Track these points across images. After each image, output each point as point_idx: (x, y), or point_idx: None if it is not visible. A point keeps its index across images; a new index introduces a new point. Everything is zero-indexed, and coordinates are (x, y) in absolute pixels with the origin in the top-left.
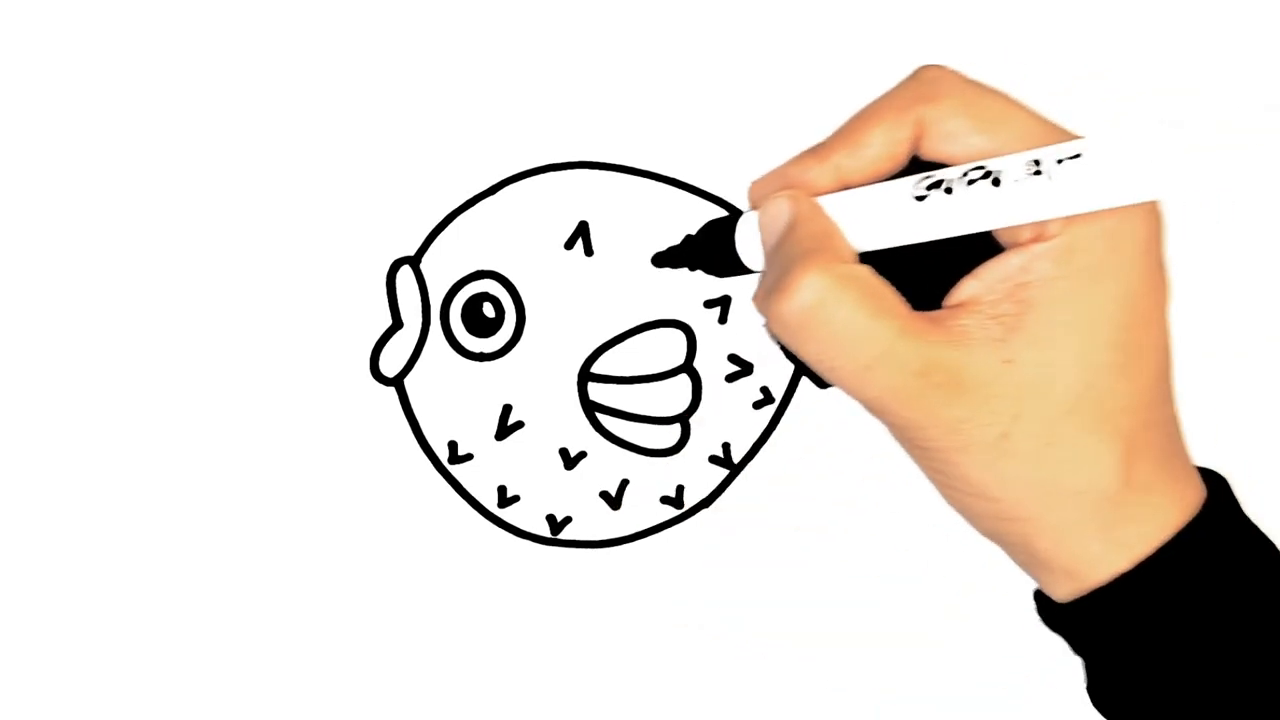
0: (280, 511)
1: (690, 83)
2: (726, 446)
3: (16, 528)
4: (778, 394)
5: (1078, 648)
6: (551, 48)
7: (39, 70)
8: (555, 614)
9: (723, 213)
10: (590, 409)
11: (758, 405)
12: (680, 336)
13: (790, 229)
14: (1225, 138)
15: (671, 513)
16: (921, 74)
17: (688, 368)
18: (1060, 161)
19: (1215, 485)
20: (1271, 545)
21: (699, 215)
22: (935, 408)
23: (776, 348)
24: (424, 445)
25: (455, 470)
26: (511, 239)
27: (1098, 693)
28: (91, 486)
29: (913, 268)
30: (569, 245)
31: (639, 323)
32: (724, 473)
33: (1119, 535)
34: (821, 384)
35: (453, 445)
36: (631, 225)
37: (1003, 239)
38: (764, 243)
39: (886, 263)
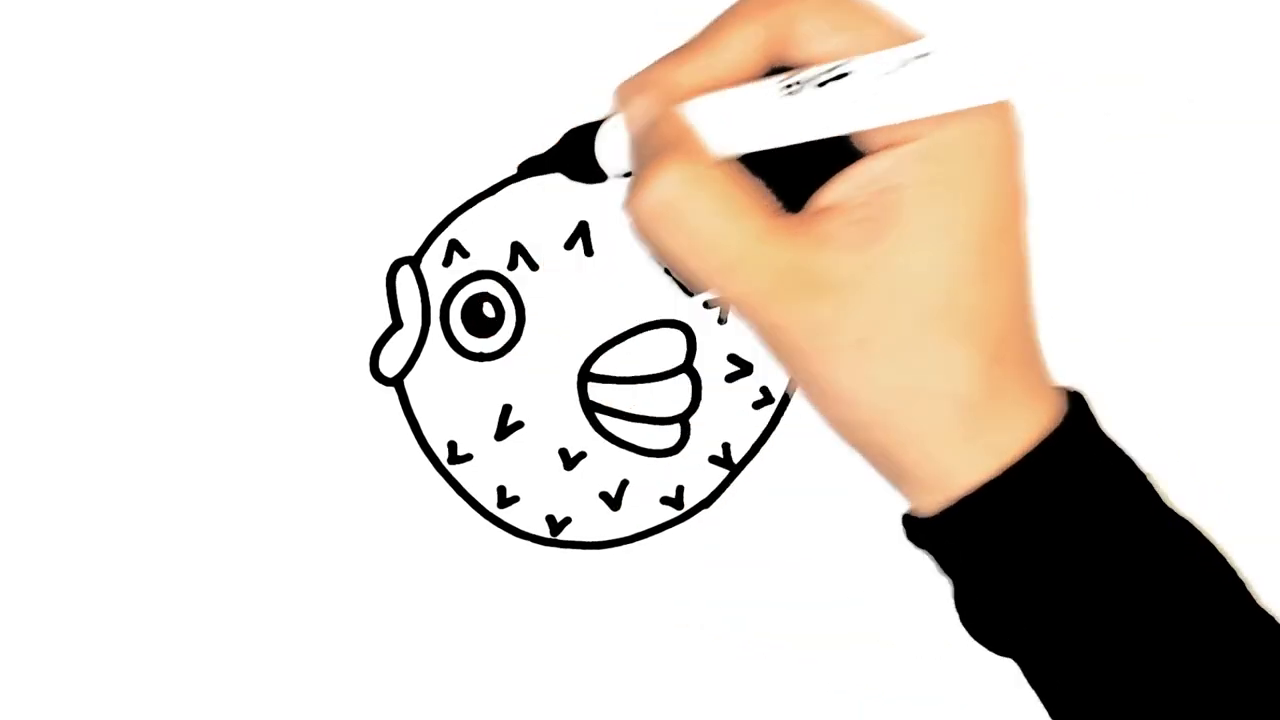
0: (280, 511)
1: None
2: (726, 446)
3: (17, 528)
4: (778, 394)
5: (944, 564)
6: (552, 48)
7: (39, 70)
8: (555, 615)
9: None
10: (590, 409)
11: (758, 405)
12: (680, 336)
13: (650, 128)
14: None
15: (671, 513)
16: None
17: (687, 368)
18: (912, 60)
19: (1076, 400)
20: (1130, 461)
21: None
22: (796, 310)
23: (649, 256)
24: (424, 445)
25: (455, 470)
26: (511, 239)
27: (965, 612)
28: (91, 486)
29: (774, 175)
30: (569, 245)
31: (639, 323)
32: (724, 473)
33: (982, 441)
34: (689, 291)
35: (452, 445)
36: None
37: (866, 143)
38: (629, 145)
39: (748, 169)
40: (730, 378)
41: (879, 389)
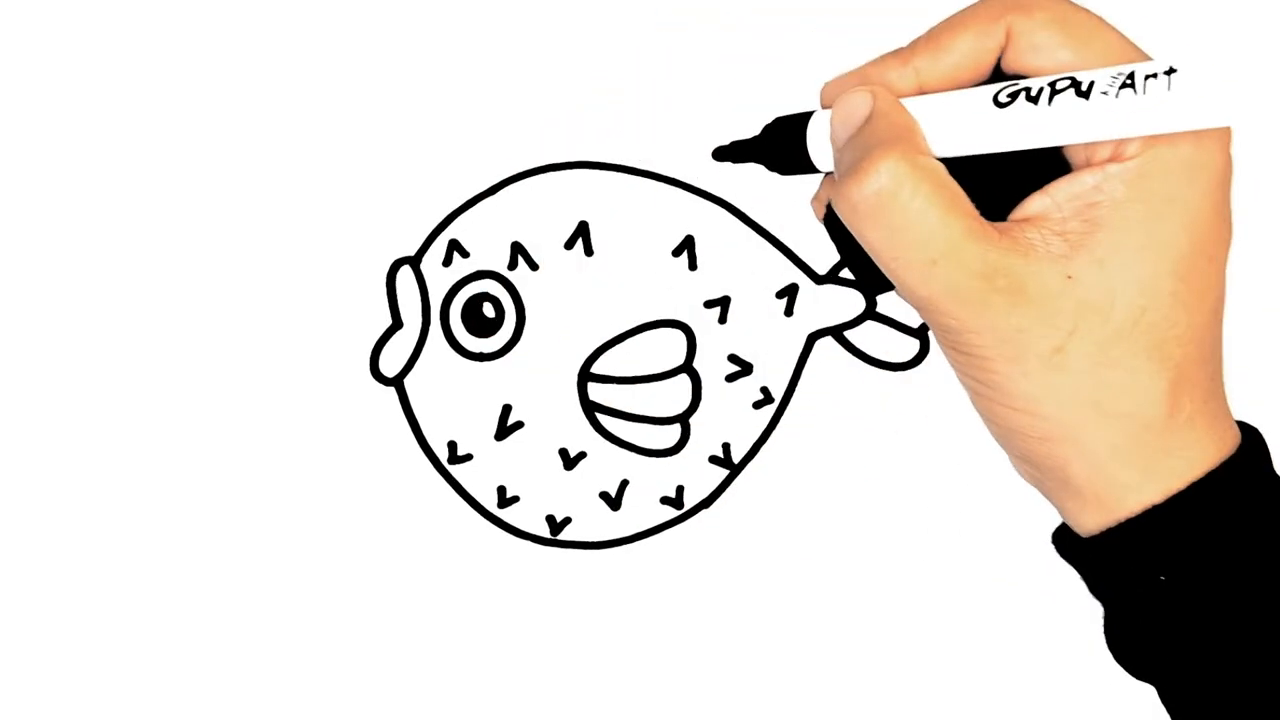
0: (280, 511)
1: (691, 83)
2: (726, 446)
3: (17, 528)
4: (778, 394)
5: (1097, 587)
6: (552, 48)
7: (39, 70)
8: (555, 614)
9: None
10: (590, 409)
11: (758, 405)
12: (680, 336)
13: (870, 120)
14: None
15: (671, 513)
16: None
17: (688, 368)
18: (1153, 76)
19: (1250, 434)
20: None
21: (699, 215)
22: (994, 313)
23: (834, 245)
24: (424, 445)
25: (455, 470)
26: (511, 239)
27: (1115, 638)
28: (91, 486)
29: (977, 181)
30: (569, 245)
31: (639, 323)
32: (724, 473)
33: (1156, 466)
34: (871, 289)
35: (452, 445)
36: (631, 225)
37: (1075, 159)
38: (835, 137)
39: (963, 171)
40: (730, 378)
41: (1063, 401)
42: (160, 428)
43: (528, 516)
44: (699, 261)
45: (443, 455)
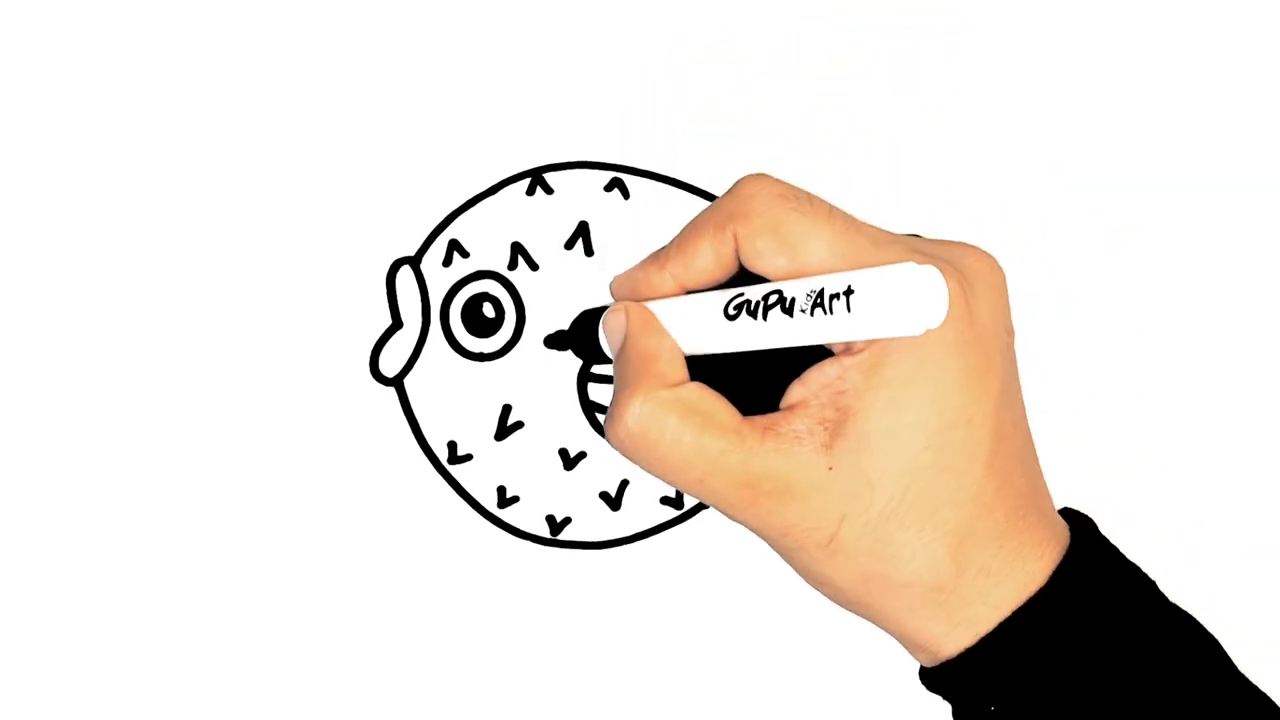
0: (280, 511)
1: (691, 83)
2: None
3: (16, 528)
4: None
5: (950, 702)
6: (551, 48)
7: (39, 70)
8: (555, 615)
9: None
10: (590, 409)
11: None
12: None
13: (622, 347)
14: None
15: (671, 513)
16: (739, 189)
17: None
18: (836, 296)
19: (1077, 538)
20: (1135, 580)
21: None
22: (765, 515)
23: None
24: (424, 445)
25: (455, 470)
26: (511, 239)
27: None
28: (91, 486)
29: (759, 365)
30: (569, 245)
31: None
32: None
33: (957, 617)
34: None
35: (452, 445)
36: (631, 225)
37: (827, 345)
38: (610, 353)
39: (734, 359)
40: None
41: (850, 579)
42: (159, 427)
43: (528, 516)
44: None
45: (443, 455)
